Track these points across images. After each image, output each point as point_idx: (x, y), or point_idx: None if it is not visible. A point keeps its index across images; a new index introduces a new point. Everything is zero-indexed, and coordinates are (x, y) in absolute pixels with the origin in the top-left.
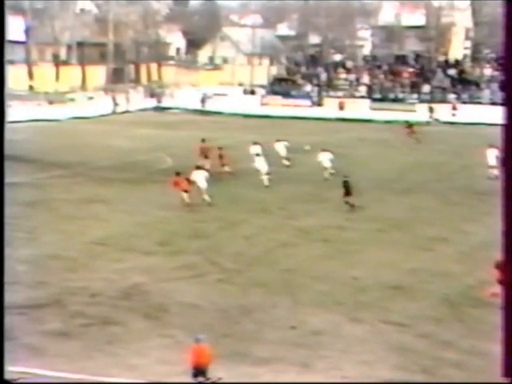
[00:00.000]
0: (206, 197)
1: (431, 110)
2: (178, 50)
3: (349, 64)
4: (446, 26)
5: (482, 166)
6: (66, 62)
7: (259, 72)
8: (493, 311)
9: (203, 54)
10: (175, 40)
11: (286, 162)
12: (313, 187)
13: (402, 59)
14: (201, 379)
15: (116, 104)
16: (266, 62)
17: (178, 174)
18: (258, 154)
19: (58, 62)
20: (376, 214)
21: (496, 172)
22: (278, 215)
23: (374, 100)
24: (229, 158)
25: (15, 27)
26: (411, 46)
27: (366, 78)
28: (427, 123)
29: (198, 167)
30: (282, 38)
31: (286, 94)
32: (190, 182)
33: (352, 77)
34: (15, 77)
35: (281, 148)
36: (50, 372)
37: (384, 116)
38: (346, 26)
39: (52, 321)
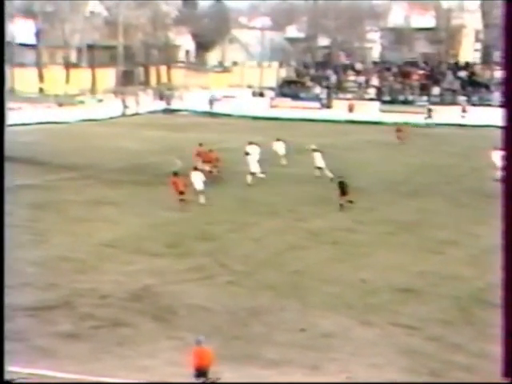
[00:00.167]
0: (202, 198)
1: (429, 111)
2: (187, 52)
3: (358, 66)
4: (456, 28)
5: (492, 168)
6: (76, 65)
7: (268, 74)
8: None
9: (212, 57)
10: (184, 42)
11: (284, 162)
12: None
13: (411, 61)
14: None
15: (126, 106)
16: (275, 64)
17: (175, 174)
18: (247, 153)
19: (68, 64)
20: (385, 217)
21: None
22: (283, 216)
23: (384, 102)
24: (222, 161)
25: (26, 30)
26: (421, 48)
27: (375, 80)
28: (427, 125)
29: (196, 168)
30: (291, 41)
31: (295, 96)
32: (186, 183)
33: (361, 79)
34: (25, 79)
35: (280, 147)
36: (60, 373)
37: (393, 118)
38: (356, 28)
39: (62, 323)
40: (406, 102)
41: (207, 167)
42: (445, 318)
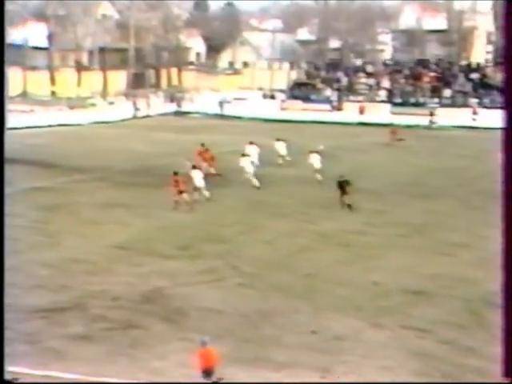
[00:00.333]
0: (206, 193)
1: (431, 113)
2: (198, 54)
3: (369, 68)
4: (468, 29)
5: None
6: (87, 68)
7: (279, 76)
8: None
9: (223, 59)
10: (195, 45)
11: (281, 161)
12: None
13: (423, 63)
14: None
15: (137, 109)
16: (285, 66)
17: (175, 173)
18: (244, 154)
19: (79, 67)
20: (396, 219)
21: None
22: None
23: (395, 104)
24: (217, 161)
25: (38, 34)
26: (432, 50)
27: (386, 83)
28: (438, 127)
29: (195, 166)
30: (302, 43)
31: (306, 99)
32: (186, 182)
33: (372, 81)
34: (38, 82)
35: (281, 148)
36: (71, 375)
37: (405, 120)
38: (367, 31)
39: (74, 324)
40: (417, 104)
41: (204, 166)
42: (456, 320)
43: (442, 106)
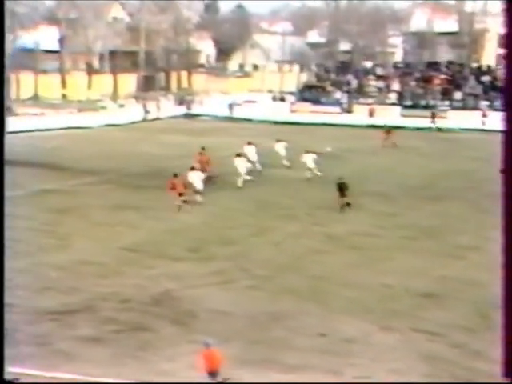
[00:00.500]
0: (199, 197)
1: (433, 115)
2: (208, 57)
3: (379, 71)
4: (479, 32)
5: None
6: (98, 71)
7: (289, 79)
8: None
9: (233, 62)
10: (206, 48)
11: (286, 163)
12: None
13: (433, 66)
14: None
15: (147, 111)
16: (295, 69)
17: (175, 175)
18: (238, 155)
19: (90, 70)
20: (406, 221)
21: None
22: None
23: (405, 107)
24: (211, 164)
25: (50, 37)
26: (443, 53)
27: (396, 85)
28: (448, 130)
29: (193, 168)
30: (312, 46)
31: (316, 101)
32: (185, 184)
33: (382, 84)
34: (49, 86)
35: (281, 148)
36: (81, 377)
37: (415, 123)
38: (377, 33)
39: (84, 326)
40: (427, 107)
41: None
42: (466, 323)
43: (453, 108)
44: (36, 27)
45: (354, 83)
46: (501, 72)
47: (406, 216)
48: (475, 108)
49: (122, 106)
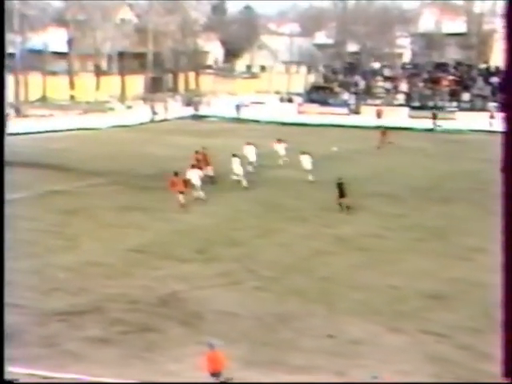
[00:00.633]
0: (201, 194)
1: (434, 116)
2: (215, 58)
3: (387, 72)
4: (488, 32)
5: None
6: (106, 72)
7: (296, 80)
8: None
9: (241, 63)
10: (213, 49)
11: (281, 162)
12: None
13: (441, 67)
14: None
15: (154, 112)
16: (303, 70)
17: (176, 174)
18: (234, 155)
19: (98, 71)
20: (414, 223)
21: None
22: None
23: (413, 108)
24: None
25: (58, 39)
26: (452, 54)
27: (404, 86)
28: (457, 131)
29: (193, 166)
30: (320, 47)
31: (324, 102)
32: (186, 183)
33: (390, 85)
34: (57, 87)
35: (280, 149)
36: (90, 378)
37: (423, 124)
38: (385, 34)
39: (92, 327)
40: (435, 108)
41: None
42: (474, 325)
43: (461, 109)
44: (45, 29)
45: (362, 84)
46: None
47: (413, 217)
48: (483, 109)
49: (129, 107)
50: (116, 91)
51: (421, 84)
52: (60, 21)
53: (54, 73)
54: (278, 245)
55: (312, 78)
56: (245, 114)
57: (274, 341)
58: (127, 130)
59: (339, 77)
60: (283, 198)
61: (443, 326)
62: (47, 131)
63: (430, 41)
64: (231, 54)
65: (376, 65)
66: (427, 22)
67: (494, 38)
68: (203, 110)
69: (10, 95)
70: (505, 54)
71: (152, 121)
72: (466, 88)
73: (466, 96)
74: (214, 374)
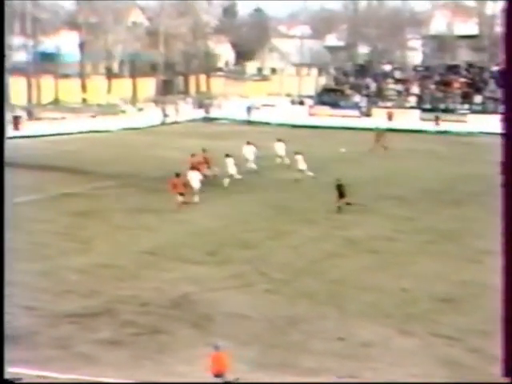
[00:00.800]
0: (196, 198)
1: (436, 119)
2: (226, 61)
3: (398, 74)
4: (500, 34)
5: None
6: (117, 75)
7: (307, 82)
8: None
9: (252, 65)
10: (224, 51)
11: (280, 161)
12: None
13: (453, 69)
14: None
15: (165, 115)
16: (314, 72)
17: (177, 175)
18: (227, 155)
19: (110, 74)
20: (425, 225)
21: None
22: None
23: (424, 110)
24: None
25: (70, 42)
26: (463, 56)
27: (415, 89)
28: (469, 134)
29: (193, 167)
30: (331, 49)
31: (335, 105)
32: (186, 184)
33: (401, 87)
34: (69, 90)
35: (280, 148)
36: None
37: (435, 127)
38: (396, 36)
39: (103, 329)
40: (446, 111)
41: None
42: (485, 328)
43: (473, 112)
44: (57, 32)
45: (373, 86)
46: None
47: (424, 220)
48: (495, 112)
49: (141, 109)
50: (127, 94)
51: (432, 86)
52: (72, 24)
53: (66, 76)
54: (289, 247)
55: (323, 81)
56: (256, 116)
57: (285, 343)
58: (138, 132)
59: (350, 79)
60: (291, 200)
61: (454, 329)
62: (59, 134)
63: (441, 43)
64: (242, 56)
65: (387, 67)
66: (439, 24)
67: None
68: (214, 113)
69: (22, 98)
70: (504, 54)
71: (163, 123)
72: (478, 90)
73: (477, 98)
74: (218, 376)
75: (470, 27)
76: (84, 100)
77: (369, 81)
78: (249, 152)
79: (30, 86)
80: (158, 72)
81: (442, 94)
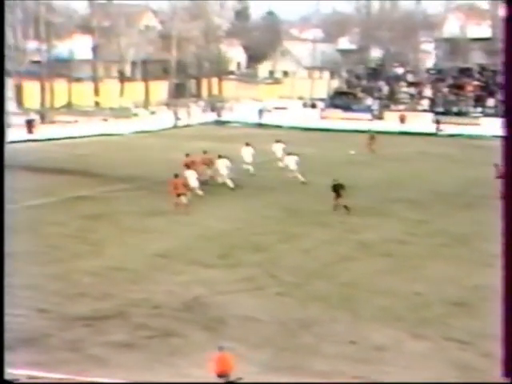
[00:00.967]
0: (200, 192)
1: (438, 121)
2: (238, 64)
3: (411, 77)
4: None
5: None
6: (130, 78)
7: (319, 85)
8: None
9: (264, 68)
10: (236, 54)
11: (281, 164)
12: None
13: (466, 72)
14: None
15: (177, 118)
16: (326, 75)
17: (176, 176)
18: (220, 156)
19: (122, 78)
20: (439, 229)
21: None
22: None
23: (437, 113)
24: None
25: (83, 46)
26: (476, 59)
27: (428, 92)
28: (481, 137)
29: (188, 167)
30: (343, 52)
31: (347, 108)
32: (186, 185)
33: (414, 90)
34: (82, 93)
35: (278, 149)
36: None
37: (447, 130)
38: (409, 39)
39: (116, 332)
40: (459, 114)
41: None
42: (497, 332)
43: (486, 115)
44: (71, 36)
45: (386, 90)
46: None
47: (437, 223)
48: None
49: (153, 112)
50: (140, 97)
51: (445, 89)
52: (85, 28)
53: (79, 79)
54: (300, 250)
55: (335, 84)
56: (267, 119)
57: (296, 346)
58: (150, 135)
59: (362, 82)
60: (299, 202)
61: (467, 333)
62: (72, 137)
63: (454, 46)
64: (254, 59)
65: (400, 70)
66: (452, 27)
67: None
68: (226, 116)
69: (36, 102)
70: (504, 55)
71: (175, 126)
72: (491, 93)
73: (490, 101)
74: (221, 376)
75: (483, 30)
76: (97, 103)
77: (381, 84)
78: (247, 153)
79: (43, 89)
80: (171, 75)
81: (454, 96)
